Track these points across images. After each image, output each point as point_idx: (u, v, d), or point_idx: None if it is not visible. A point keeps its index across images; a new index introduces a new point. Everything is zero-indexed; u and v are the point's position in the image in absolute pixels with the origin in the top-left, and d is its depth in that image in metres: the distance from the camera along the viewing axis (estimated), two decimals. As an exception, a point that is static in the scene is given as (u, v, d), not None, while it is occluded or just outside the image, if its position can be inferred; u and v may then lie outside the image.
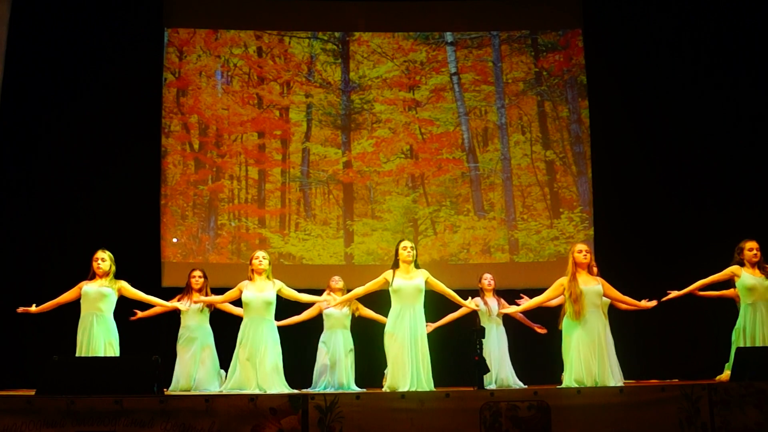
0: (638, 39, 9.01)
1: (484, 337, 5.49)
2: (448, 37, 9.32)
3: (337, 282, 7.25)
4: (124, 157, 8.57)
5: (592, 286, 5.91)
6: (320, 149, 9.08)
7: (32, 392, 5.23)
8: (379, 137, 9.13)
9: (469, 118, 9.20)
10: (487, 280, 7.30)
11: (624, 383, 6.14)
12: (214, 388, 6.83)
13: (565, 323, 5.97)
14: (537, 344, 7.18)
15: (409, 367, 5.85)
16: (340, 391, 6.58)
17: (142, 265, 7.86)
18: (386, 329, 6.05)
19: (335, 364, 6.98)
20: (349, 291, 6.91)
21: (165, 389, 5.57)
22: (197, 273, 7.11)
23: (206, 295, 7.02)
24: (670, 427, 5.09)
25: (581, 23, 9.21)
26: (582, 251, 5.98)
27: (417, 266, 6.15)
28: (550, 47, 9.30)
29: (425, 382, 5.88)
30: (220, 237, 8.84)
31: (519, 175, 9.11)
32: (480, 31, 9.30)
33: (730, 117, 8.73)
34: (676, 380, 6.95)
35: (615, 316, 6.53)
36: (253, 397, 5.00)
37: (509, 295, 7.04)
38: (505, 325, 7.24)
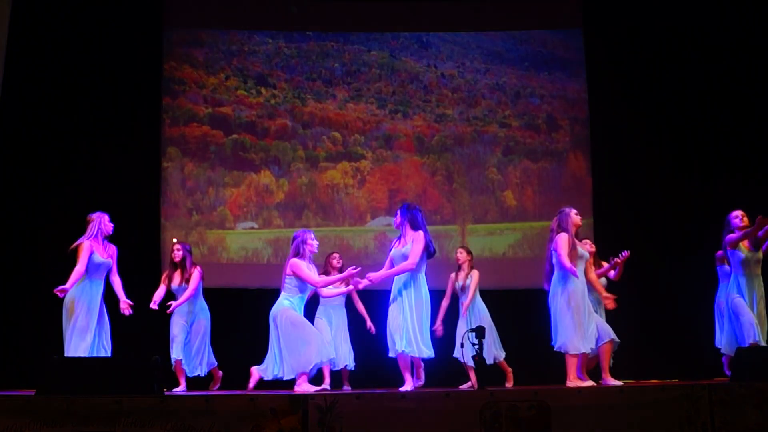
0: (638, 37, 8.56)
1: (484, 337, 5.01)
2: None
3: (338, 260, 6.63)
4: (123, 149, 8.10)
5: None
6: (321, 156, 8.61)
7: (32, 392, 4.82)
8: (378, 146, 8.68)
9: (468, 120, 8.70)
10: (461, 254, 6.60)
11: (624, 383, 5.69)
12: (199, 368, 6.40)
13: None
14: (537, 344, 6.69)
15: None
16: (340, 392, 6.04)
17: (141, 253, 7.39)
18: None
19: (334, 340, 6.32)
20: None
21: (165, 389, 5.11)
22: (176, 246, 6.54)
23: (188, 269, 6.40)
24: (670, 427, 4.69)
25: (581, 22, 8.72)
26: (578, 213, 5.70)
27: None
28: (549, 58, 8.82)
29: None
30: (225, 239, 8.35)
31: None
32: (479, 31, 8.82)
33: (731, 110, 8.26)
34: (676, 380, 6.51)
35: (615, 315, 5.99)
36: (253, 397, 4.61)
37: (508, 294, 6.59)
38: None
